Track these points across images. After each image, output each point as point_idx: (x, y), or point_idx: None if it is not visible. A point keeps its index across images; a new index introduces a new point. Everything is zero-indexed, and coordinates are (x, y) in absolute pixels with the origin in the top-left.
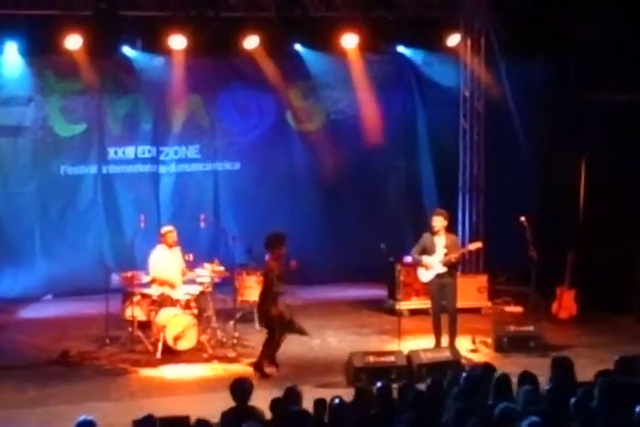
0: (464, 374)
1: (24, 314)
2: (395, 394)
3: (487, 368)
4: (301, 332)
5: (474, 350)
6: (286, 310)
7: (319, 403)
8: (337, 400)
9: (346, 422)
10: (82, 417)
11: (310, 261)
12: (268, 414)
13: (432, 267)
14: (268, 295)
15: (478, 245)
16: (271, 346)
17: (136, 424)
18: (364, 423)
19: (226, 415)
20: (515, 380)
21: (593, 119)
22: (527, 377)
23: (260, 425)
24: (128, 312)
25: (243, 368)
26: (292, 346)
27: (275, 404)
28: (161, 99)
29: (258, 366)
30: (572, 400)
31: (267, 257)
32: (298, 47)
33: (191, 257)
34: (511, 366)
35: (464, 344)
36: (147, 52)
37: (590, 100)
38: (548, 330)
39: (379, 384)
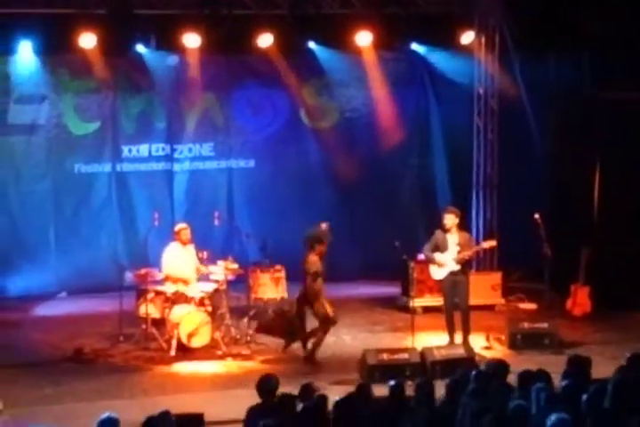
0: (474, 372)
1: (38, 312)
2: (408, 391)
3: (500, 365)
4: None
5: (488, 348)
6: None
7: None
8: (341, 397)
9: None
10: (105, 414)
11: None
12: None
13: (445, 264)
14: (308, 292)
15: (492, 243)
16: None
17: (151, 420)
18: (371, 421)
19: (252, 411)
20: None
21: (607, 116)
22: (541, 375)
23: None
24: (142, 309)
25: (256, 365)
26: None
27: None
28: (175, 97)
29: (309, 359)
30: (584, 397)
31: (307, 254)
32: (311, 45)
33: (205, 255)
34: (525, 364)
35: (478, 341)
36: (160, 51)
37: (604, 97)
38: (563, 327)
39: (391, 382)
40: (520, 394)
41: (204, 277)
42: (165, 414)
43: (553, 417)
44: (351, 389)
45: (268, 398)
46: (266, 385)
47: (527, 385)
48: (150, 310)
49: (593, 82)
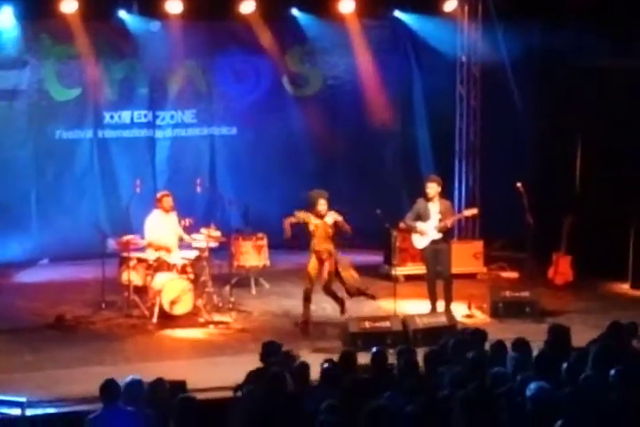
0: (451, 341)
1: (20, 278)
2: (390, 359)
3: (478, 333)
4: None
5: (469, 316)
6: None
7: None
8: (327, 364)
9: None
10: (129, 377)
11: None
12: None
13: (427, 233)
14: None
15: (474, 211)
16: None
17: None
18: (355, 388)
19: (252, 374)
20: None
21: (590, 85)
22: (519, 344)
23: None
24: (124, 277)
25: (238, 333)
26: (289, 312)
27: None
28: (157, 63)
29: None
30: (564, 366)
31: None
32: (294, 12)
33: (188, 222)
34: (506, 332)
35: (460, 310)
36: (143, 16)
37: (588, 66)
38: (544, 296)
39: (374, 349)
40: (495, 363)
41: (186, 245)
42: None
43: (532, 386)
44: (333, 356)
45: (269, 363)
46: (270, 350)
47: (502, 354)
48: (132, 277)
49: (577, 51)
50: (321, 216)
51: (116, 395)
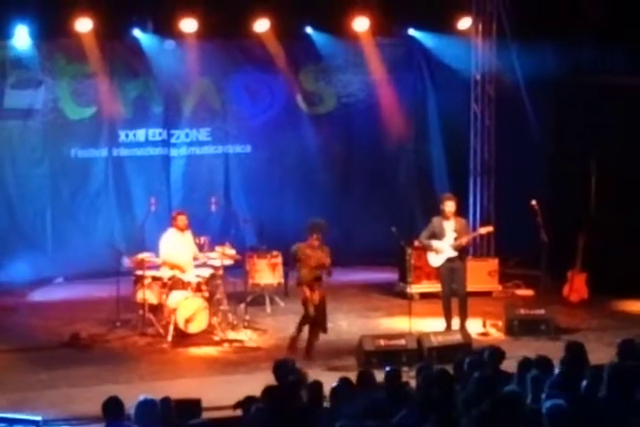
0: (467, 359)
1: (35, 297)
2: (404, 377)
3: (495, 351)
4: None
5: (484, 334)
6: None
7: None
8: (337, 383)
9: (348, 405)
10: (142, 397)
11: None
12: None
13: (442, 251)
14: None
15: (489, 228)
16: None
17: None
18: (371, 407)
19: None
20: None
21: (604, 102)
22: (542, 362)
23: None
24: (139, 295)
25: (253, 351)
26: (303, 330)
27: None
28: (172, 82)
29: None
30: (584, 384)
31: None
32: (308, 30)
33: (203, 240)
34: (522, 350)
35: (475, 328)
36: (157, 35)
37: (602, 84)
38: (559, 313)
39: (387, 368)
40: (518, 381)
41: (200, 263)
42: (166, 401)
43: (548, 404)
44: (347, 375)
45: (285, 380)
46: (283, 368)
47: (527, 372)
48: (147, 295)
49: (591, 68)
50: (314, 247)
51: (120, 413)
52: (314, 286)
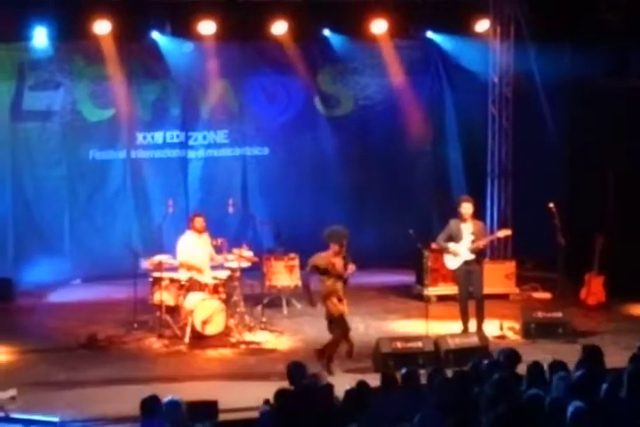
0: (485, 362)
1: (53, 298)
2: (423, 380)
3: (512, 354)
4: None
5: (501, 337)
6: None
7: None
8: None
9: (369, 407)
10: (168, 397)
11: None
12: None
13: (459, 254)
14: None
15: (507, 232)
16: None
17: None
18: (389, 408)
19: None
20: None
21: (622, 106)
22: (558, 365)
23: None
24: (156, 297)
25: (270, 353)
26: (320, 332)
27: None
28: (190, 84)
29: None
30: (604, 387)
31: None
32: (326, 32)
33: (220, 242)
34: (539, 353)
35: (492, 330)
36: (175, 37)
37: (619, 87)
38: (576, 316)
39: (404, 370)
40: (532, 384)
41: (218, 265)
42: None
43: (572, 407)
44: (363, 377)
45: (299, 383)
46: (296, 371)
47: (540, 376)
48: (165, 297)
49: (608, 72)
50: (337, 255)
51: (157, 411)
52: (340, 296)
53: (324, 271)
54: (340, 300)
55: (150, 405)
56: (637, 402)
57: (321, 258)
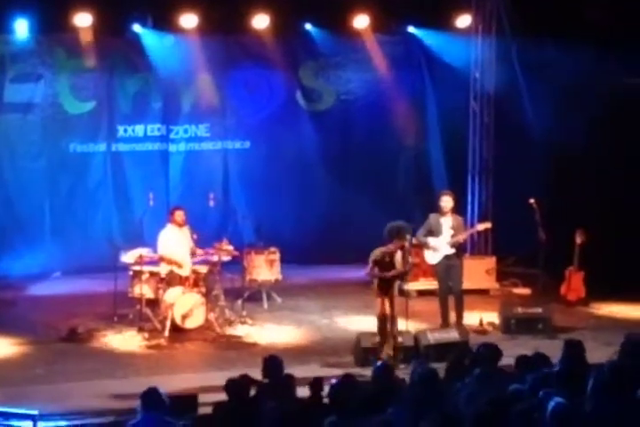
0: (467, 357)
1: (33, 291)
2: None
3: (492, 349)
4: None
5: (481, 332)
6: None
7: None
8: (335, 380)
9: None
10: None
11: (318, 240)
12: None
13: (439, 249)
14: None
15: (487, 225)
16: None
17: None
18: (363, 403)
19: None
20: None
21: (603, 101)
22: (540, 359)
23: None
24: (136, 290)
25: (250, 347)
26: (300, 326)
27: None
28: (171, 77)
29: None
30: (591, 382)
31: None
32: (308, 27)
33: (195, 237)
34: (519, 348)
35: (471, 326)
36: (157, 31)
37: (601, 83)
38: (557, 312)
39: (377, 363)
40: (517, 378)
41: (198, 259)
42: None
43: (553, 403)
44: (343, 372)
45: (275, 377)
46: (272, 364)
47: (525, 369)
48: (145, 290)
49: (591, 68)
50: (401, 251)
51: (159, 404)
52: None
53: (386, 266)
54: (390, 299)
55: (151, 397)
56: (618, 399)
57: (382, 252)
